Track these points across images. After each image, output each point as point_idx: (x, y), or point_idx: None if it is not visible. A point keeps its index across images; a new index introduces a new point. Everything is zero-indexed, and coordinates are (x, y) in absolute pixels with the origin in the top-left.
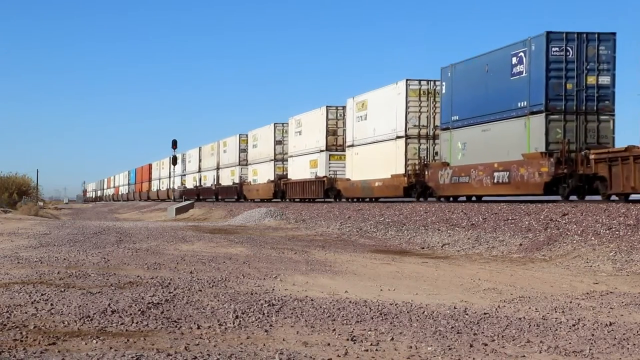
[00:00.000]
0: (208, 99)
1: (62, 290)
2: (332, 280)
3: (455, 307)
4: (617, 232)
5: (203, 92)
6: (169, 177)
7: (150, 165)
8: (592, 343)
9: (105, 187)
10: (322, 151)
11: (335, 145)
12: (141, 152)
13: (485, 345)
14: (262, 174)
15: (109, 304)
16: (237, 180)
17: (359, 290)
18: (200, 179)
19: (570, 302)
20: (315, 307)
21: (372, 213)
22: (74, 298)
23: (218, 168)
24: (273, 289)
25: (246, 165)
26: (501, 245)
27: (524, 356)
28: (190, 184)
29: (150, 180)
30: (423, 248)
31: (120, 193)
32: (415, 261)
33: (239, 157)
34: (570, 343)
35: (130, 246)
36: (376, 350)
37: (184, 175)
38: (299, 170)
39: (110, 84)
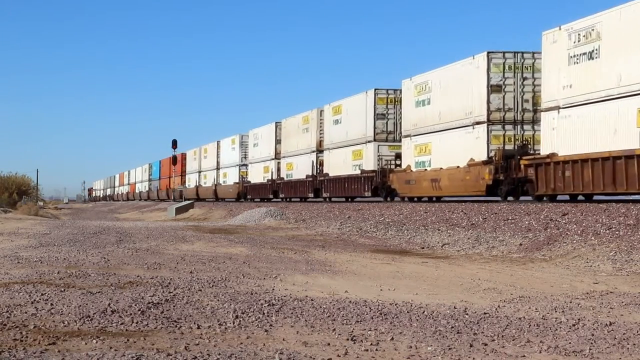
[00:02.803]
0: (208, 99)
1: (62, 290)
2: (332, 280)
3: (455, 307)
4: (617, 232)
5: (203, 92)
6: (216, 168)
7: (182, 156)
8: (592, 343)
9: (116, 184)
10: None
11: None
12: (142, 152)
13: (485, 345)
14: (447, 153)
15: (109, 304)
16: (369, 167)
17: (359, 290)
18: (278, 169)
19: (570, 302)
20: (315, 307)
21: (372, 213)
22: (74, 298)
23: (319, 150)
24: (273, 289)
25: (385, 141)
26: (501, 245)
27: (524, 356)
28: (257, 176)
29: (183, 174)
30: (423, 248)
31: (137, 191)
32: (415, 261)
33: (374, 128)
34: (570, 343)
35: (130, 246)
36: (376, 350)
37: (244, 165)
38: (594, 136)
39: (110, 84)
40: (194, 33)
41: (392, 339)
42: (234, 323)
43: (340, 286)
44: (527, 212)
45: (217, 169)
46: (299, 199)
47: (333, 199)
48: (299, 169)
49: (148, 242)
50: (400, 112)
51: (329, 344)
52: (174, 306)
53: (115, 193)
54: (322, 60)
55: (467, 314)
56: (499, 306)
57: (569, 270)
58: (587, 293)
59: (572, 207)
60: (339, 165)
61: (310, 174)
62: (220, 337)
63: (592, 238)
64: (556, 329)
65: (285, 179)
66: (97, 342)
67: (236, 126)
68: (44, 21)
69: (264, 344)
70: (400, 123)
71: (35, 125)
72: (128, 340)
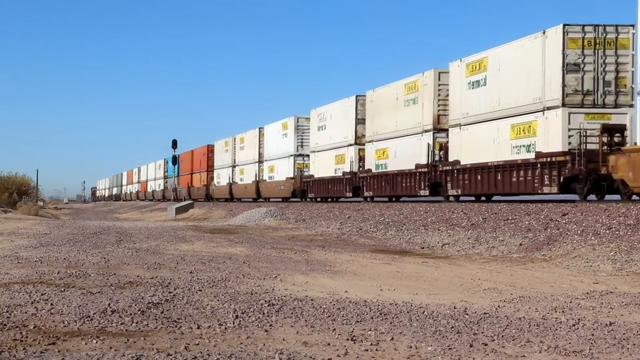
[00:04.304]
0: (208, 99)
1: (62, 290)
2: (332, 280)
3: (455, 307)
4: (617, 232)
5: (203, 92)
6: (258, 161)
7: (209, 148)
8: (592, 343)
9: (124, 183)
10: None
11: None
12: (142, 152)
13: (485, 345)
14: None
15: (109, 304)
16: (553, 146)
17: (359, 290)
18: (360, 158)
19: (570, 302)
20: (315, 307)
21: (372, 213)
22: (74, 298)
23: (437, 129)
24: (273, 289)
25: (580, 106)
26: (501, 245)
27: (524, 356)
28: (324, 168)
29: (210, 169)
30: (423, 248)
31: (149, 190)
32: (415, 261)
33: (563, 86)
34: (570, 343)
35: (130, 246)
36: (376, 350)
37: (301, 155)
38: None
39: (111, 84)
40: (193, 33)
41: (392, 339)
42: (234, 323)
43: (340, 286)
44: (527, 212)
45: (260, 161)
46: (387, 199)
47: (462, 199)
48: (400, 156)
49: (148, 242)
50: (605, 61)
51: (329, 344)
52: (174, 306)
53: (123, 192)
54: (323, 60)
55: (467, 314)
56: (499, 306)
57: (569, 270)
58: (587, 293)
59: (572, 207)
60: (481, 147)
61: (425, 162)
62: (220, 337)
63: (592, 238)
64: (556, 329)
65: (375, 170)
66: (97, 342)
67: (238, 125)
68: (44, 21)
69: (264, 344)
70: (604, 78)
71: (35, 125)
72: (128, 340)
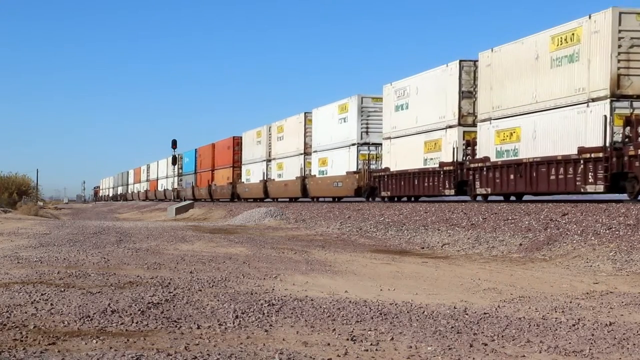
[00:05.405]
0: (208, 99)
1: (62, 290)
2: (332, 280)
3: (455, 307)
4: (617, 232)
5: (203, 92)
6: (303, 153)
7: (234, 140)
8: (592, 343)
9: (130, 181)
10: None
11: None
12: (142, 152)
13: (485, 345)
14: None
15: (109, 304)
16: None
17: (359, 290)
18: (468, 144)
19: (570, 302)
20: (315, 307)
21: (372, 213)
22: (74, 298)
23: (616, 96)
24: (273, 289)
25: None
26: (501, 245)
27: (524, 356)
28: (404, 159)
29: (236, 164)
30: (423, 248)
31: (160, 189)
32: (415, 261)
33: None
34: (570, 343)
35: (130, 246)
36: (376, 350)
37: (366, 144)
38: None
39: (111, 84)
40: (194, 33)
41: (392, 339)
42: (234, 323)
43: (340, 286)
44: (527, 212)
45: (306, 153)
46: (503, 197)
47: None
48: (543, 137)
49: (148, 242)
50: None
51: (329, 344)
52: (174, 306)
53: (129, 192)
54: (320, 61)
55: (467, 314)
56: (499, 306)
57: (569, 270)
58: (587, 293)
59: (572, 207)
60: None
61: (598, 144)
62: (220, 337)
63: (592, 238)
64: (556, 329)
65: (496, 159)
66: (97, 342)
67: (241, 125)
68: (44, 21)
69: (264, 344)
70: None
71: (35, 125)
72: (128, 340)
